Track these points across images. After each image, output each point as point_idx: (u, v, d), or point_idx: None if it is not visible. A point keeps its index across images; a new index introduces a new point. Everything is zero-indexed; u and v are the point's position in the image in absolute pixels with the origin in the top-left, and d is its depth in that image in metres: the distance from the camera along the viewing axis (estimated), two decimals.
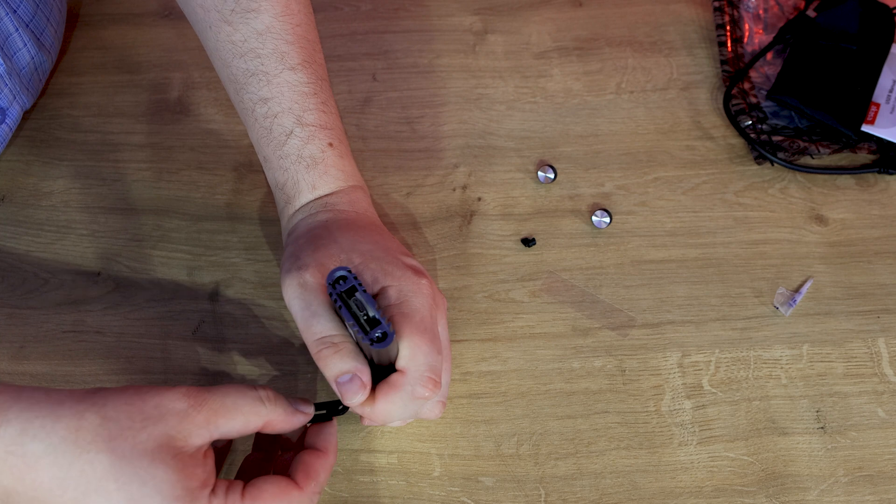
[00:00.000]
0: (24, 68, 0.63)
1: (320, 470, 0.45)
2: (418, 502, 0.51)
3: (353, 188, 0.54)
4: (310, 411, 0.46)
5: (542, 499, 0.51)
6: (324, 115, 0.54)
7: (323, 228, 0.51)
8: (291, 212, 0.54)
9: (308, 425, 0.48)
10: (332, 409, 0.48)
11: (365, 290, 0.44)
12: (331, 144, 0.54)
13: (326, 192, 0.53)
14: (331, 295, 0.44)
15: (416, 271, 0.49)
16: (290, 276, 0.49)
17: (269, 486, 0.42)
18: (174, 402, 0.41)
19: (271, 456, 0.49)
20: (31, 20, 0.63)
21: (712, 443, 0.53)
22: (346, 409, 0.48)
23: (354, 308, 0.44)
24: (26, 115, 0.67)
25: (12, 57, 0.61)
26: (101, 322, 0.58)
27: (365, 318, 0.44)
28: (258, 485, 0.42)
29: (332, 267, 0.47)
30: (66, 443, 0.38)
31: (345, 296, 0.44)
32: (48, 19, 0.65)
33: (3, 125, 0.63)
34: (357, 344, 0.46)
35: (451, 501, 0.51)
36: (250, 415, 0.43)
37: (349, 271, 0.44)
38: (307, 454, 0.45)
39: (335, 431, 0.47)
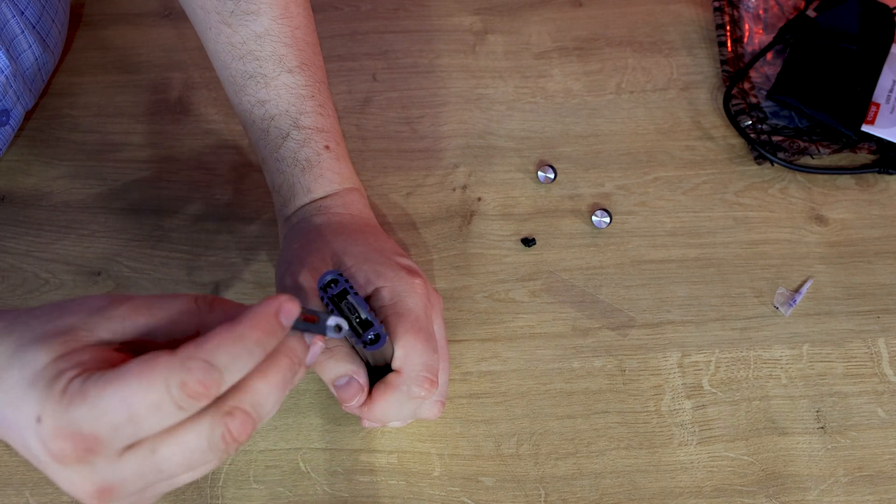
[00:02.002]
0: (28, 69, 0.63)
1: (214, 336, 0.34)
2: (418, 502, 0.51)
3: (349, 191, 0.54)
4: (261, 327, 0.36)
5: (542, 499, 0.51)
6: (321, 117, 0.54)
7: (316, 232, 0.51)
8: (287, 214, 0.54)
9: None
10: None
11: (356, 293, 0.44)
12: (327, 147, 0.54)
13: (322, 194, 0.53)
14: (322, 299, 0.44)
15: (410, 271, 0.49)
16: (283, 281, 0.49)
17: (134, 362, 0.34)
18: (97, 301, 0.37)
19: None
20: (38, 21, 0.63)
21: (712, 443, 0.53)
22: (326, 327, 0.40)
23: (346, 311, 0.44)
24: (27, 115, 0.67)
25: (17, 59, 0.61)
26: None
27: (357, 320, 0.44)
28: (127, 363, 0.34)
29: (325, 271, 0.47)
30: (7, 330, 0.36)
31: (336, 299, 0.44)
32: (53, 20, 0.65)
33: (7, 126, 0.63)
34: (353, 346, 0.46)
35: (451, 501, 0.51)
36: (179, 314, 0.37)
37: (340, 274, 0.44)
38: (211, 331, 0.35)
39: (272, 305, 0.36)
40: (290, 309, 0.37)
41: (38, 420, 0.34)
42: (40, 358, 0.35)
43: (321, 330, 0.40)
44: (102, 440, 0.34)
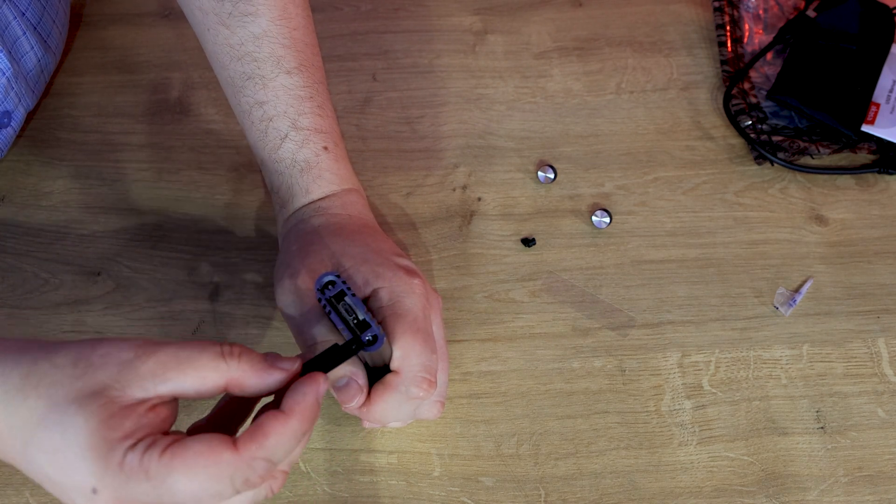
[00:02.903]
0: (30, 71, 0.63)
1: (272, 433, 0.37)
2: (418, 502, 0.51)
3: (348, 191, 0.54)
4: (289, 367, 0.40)
5: (542, 499, 0.51)
6: (319, 118, 0.54)
7: (314, 234, 0.51)
8: (286, 215, 0.54)
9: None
10: (341, 353, 0.43)
11: (354, 294, 0.44)
12: (326, 148, 0.54)
13: (320, 195, 0.53)
14: (320, 300, 0.44)
15: (409, 271, 0.49)
16: (281, 284, 0.49)
17: (196, 446, 0.36)
18: (121, 352, 0.37)
19: (248, 409, 0.44)
20: (39, 22, 0.63)
21: (712, 443, 0.53)
22: (358, 347, 0.43)
23: (343, 312, 0.44)
24: (27, 115, 0.67)
25: (20, 60, 0.61)
26: (101, 322, 0.58)
27: (355, 321, 0.44)
28: (185, 443, 0.37)
29: (322, 272, 0.47)
30: (16, 389, 0.37)
31: (334, 300, 0.44)
32: (54, 21, 0.65)
33: (9, 128, 0.63)
34: None
35: (451, 501, 0.51)
36: (207, 370, 0.38)
37: (337, 276, 0.44)
38: (266, 414, 0.38)
39: (312, 392, 0.39)
40: (324, 388, 0.40)
41: (94, 491, 0.36)
42: (80, 423, 0.35)
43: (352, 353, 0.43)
44: None
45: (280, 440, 0.38)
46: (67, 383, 0.37)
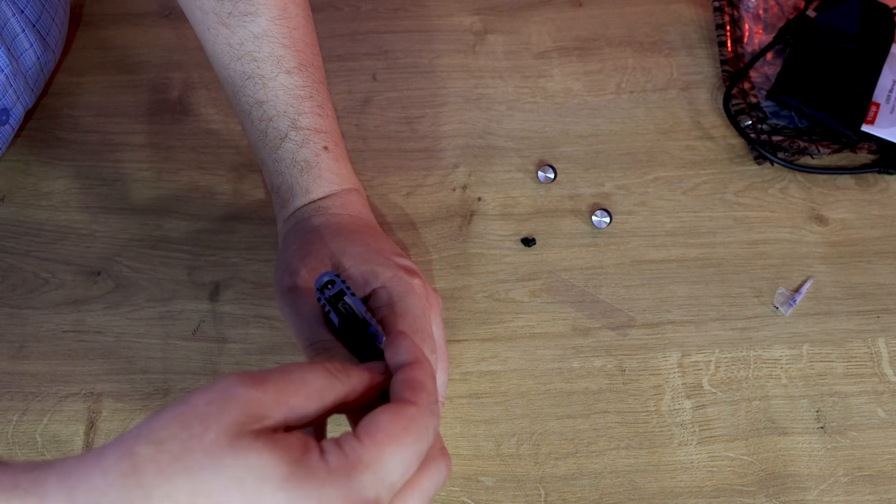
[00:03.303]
0: (29, 69, 0.63)
1: (423, 379, 0.37)
2: None
3: (348, 191, 0.54)
4: (382, 368, 0.39)
5: (542, 499, 0.51)
6: (319, 118, 0.54)
7: (314, 233, 0.51)
8: (286, 216, 0.54)
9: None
10: (371, 344, 0.44)
11: (353, 294, 0.44)
12: (326, 148, 0.54)
13: (320, 195, 0.53)
14: (319, 300, 0.44)
15: (408, 271, 0.49)
16: (281, 283, 0.49)
17: (382, 417, 0.35)
18: (230, 391, 0.33)
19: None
20: (38, 20, 0.63)
21: (712, 443, 0.53)
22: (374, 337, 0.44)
23: (343, 312, 0.44)
24: (27, 115, 0.67)
25: (18, 58, 0.61)
26: (101, 322, 0.58)
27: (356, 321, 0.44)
28: (370, 420, 0.35)
29: (322, 272, 0.47)
30: (129, 491, 0.31)
31: (333, 300, 0.44)
32: (53, 19, 0.65)
33: (7, 126, 0.63)
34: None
35: (451, 501, 0.51)
36: (324, 390, 0.35)
37: (337, 276, 0.44)
38: (400, 373, 0.38)
39: (412, 340, 0.40)
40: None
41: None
42: (252, 461, 0.31)
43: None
44: (381, 502, 0.34)
45: (431, 383, 0.38)
46: (196, 445, 0.31)
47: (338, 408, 0.37)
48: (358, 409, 0.39)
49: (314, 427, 0.38)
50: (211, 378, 0.55)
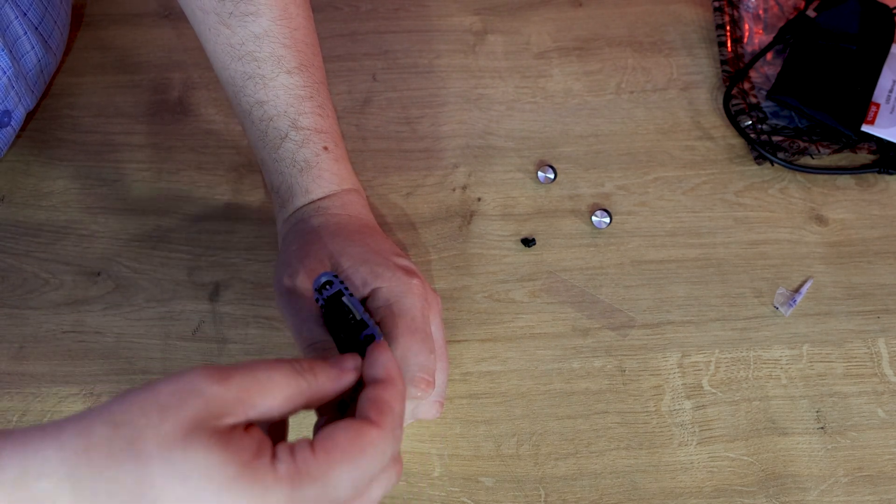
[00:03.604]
0: (31, 71, 0.63)
1: (392, 401, 0.38)
2: (418, 502, 0.51)
3: (348, 191, 0.54)
4: (357, 363, 0.39)
5: (542, 499, 0.51)
6: (319, 118, 0.54)
7: (314, 234, 0.51)
8: (286, 215, 0.54)
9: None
10: (358, 341, 0.43)
11: (352, 294, 0.44)
12: (325, 148, 0.54)
13: (320, 195, 0.53)
14: (317, 300, 0.44)
15: (408, 271, 0.49)
16: (280, 284, 0.49)
17: (340, 433, 0.35)
18: (194, 384, 0.34)
19: (335, 413, 0.42)
20: (41, 23, 0.63)
21: (712, 443, 0.53)
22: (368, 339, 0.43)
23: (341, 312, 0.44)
24: (27, 115, 0.67)
25: (20, 60, 0.61)
26: (101, 322, 0.58)
27: (352, 321, 0.44)
28: (328, 434, 0.35)
29: (321, 272, 0.47)
30: (79, 468, 0.32)
31: (331, 300, 0.44)
32: (56, 22, 0.65)
33: (8, 127, 0.63)
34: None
35: (451, 501, 0.51)
36: (288, 388, 0.36)
37: (335, 276, 0.44)
38: (371, 389, 0.38)
39: (391, 355, 0.40)
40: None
41: None
42: (202, 458, 0.32)
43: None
44: None
45: (399, 405, 0.38)
46: (151, 435, 0.32)
47: (304, 406, 0.37)
48: (326, 405, 0.40)
49: (277, 422, 0.39)
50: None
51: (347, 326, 0.44)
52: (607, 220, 0.61)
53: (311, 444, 0.34)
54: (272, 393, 0.35)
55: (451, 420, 0.54)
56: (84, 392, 0.55)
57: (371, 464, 0.35)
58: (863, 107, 0.65)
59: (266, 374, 0.35)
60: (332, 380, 0.38)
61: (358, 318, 0.44)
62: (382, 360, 0.39)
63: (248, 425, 0.34)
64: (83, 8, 0.74)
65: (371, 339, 0.43)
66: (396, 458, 0.38)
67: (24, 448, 0.32)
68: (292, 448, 0.34)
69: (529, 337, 0.57)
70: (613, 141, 0.66)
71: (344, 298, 0.44)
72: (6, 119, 0.62)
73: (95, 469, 0.32)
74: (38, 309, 0.58)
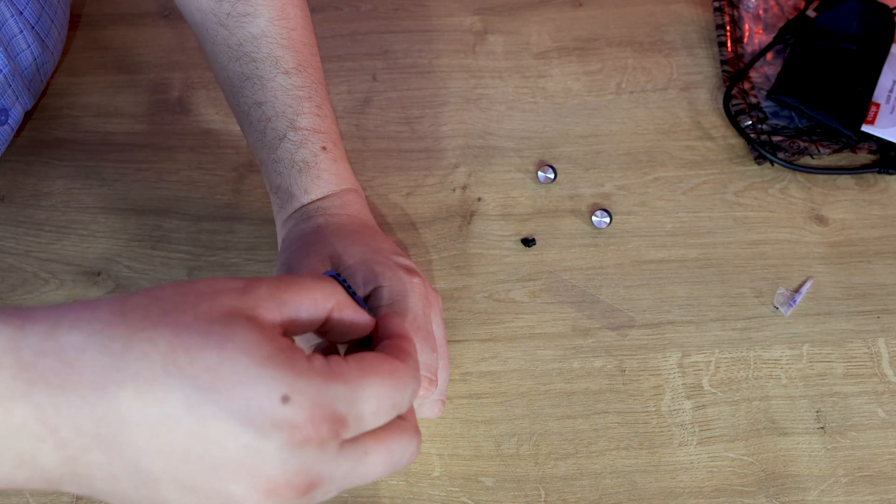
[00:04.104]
0: (27, 69, 0.63)
1: (409, 348, 0.38)
2: (418, 502, 0.51)
3: (347, 192, 0.54)
4: (372, 321, 0.40)
5: (542, 499, 0.51)
6: (318, 118, 0.54)
7: (314, 234, 0.51)
8: (285, 216, 0.54)
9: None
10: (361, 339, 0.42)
11: (354, 293, 0.44)
12: (324, 148, 0.54)
13: (319, 196, 0.53)
14: None
15: (409, 270, 0.49)
16: None
17: (371, 356, 0.35)
18: (228, 282, 0.34)
19: None
20: (37, 22, 0.63)
21: (712, 443, 0.53)
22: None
23: None
24: (27, 115, 0.67)
25: (16, 58, 0.61)
26: None
27: None
28: (359, 355, 0.35)
29: (323, 272, 0.47)
30: (113, 325, 0.31)
31: None
32: (53, 21, 0.65)
33: (6, 126, 0.63)
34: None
35: (451, 501, 0.51)
36: (315, 290, 0.36)
37: (337, 275, 0.44)
38: (388, 340, 0.38)
39: (402, 321, 0.41)
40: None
41: (286, 400, 0.31)
42: (241, 334, 0.31)
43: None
44: (347, 426, 0.32)
45: (416, 359, 0.38)
46: (188, 309, 0.32)
47: (329, 315, 0.37)
48: (347, 324, 0.38)
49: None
50: None
51: None
52: (607, 220, 0.61)
53: (344, 356, 0.34)
54: (300, 292, 0.35)
55: (451, 420, 0.54)
56: None
57: (396, 388, 0.34)
58: (863, 107, 0.65)
59: (293, 279, 0.36)
60: (353, 306, 0.38)
61: None
62: (396, 321, 0.40)
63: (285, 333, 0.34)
64: (81, 7, 0.74)
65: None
66: (416, 428, 0.37)
67: (57, 308, 0.32)
68: (325, 355, 0.34)
69: (529, 337, 0.57)
70: (613, 141, 0.66)
71: None
72: (3, 117, 0.62)
73: (130, 329, 0.31)
74: None
